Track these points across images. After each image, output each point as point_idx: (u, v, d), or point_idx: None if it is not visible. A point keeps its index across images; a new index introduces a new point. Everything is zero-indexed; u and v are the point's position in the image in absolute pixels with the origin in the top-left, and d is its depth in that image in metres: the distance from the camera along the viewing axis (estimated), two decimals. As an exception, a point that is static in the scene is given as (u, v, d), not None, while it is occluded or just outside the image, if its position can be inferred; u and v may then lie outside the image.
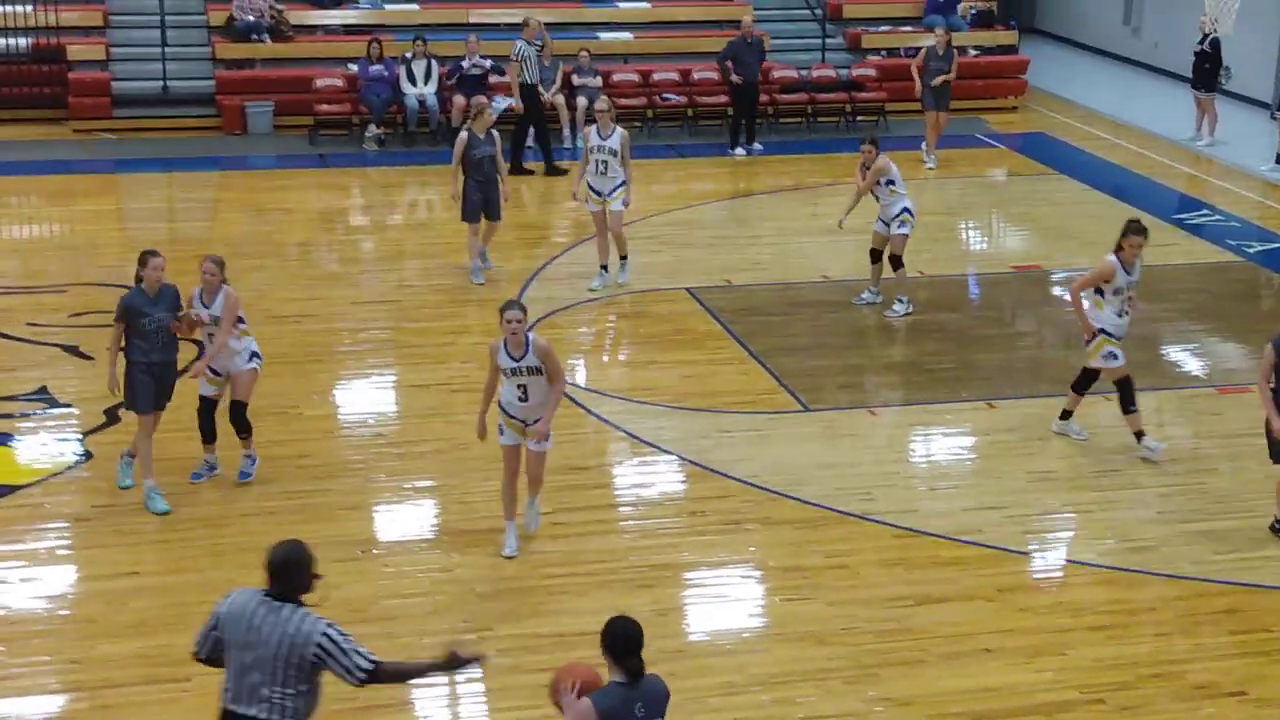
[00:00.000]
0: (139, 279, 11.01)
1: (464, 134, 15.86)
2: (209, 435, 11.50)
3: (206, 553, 10.37)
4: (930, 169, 20.86)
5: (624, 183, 15.49)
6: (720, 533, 11.02)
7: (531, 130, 20.87)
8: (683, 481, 11.92)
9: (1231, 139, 22.33)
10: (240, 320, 11.31)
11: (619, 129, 15.46)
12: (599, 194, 15.56)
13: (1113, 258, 11.94)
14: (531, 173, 20.36)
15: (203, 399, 11.42)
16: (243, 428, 11.44)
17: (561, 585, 10.25)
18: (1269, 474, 11.67)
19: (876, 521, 11.17)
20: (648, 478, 11.97)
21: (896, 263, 15.18)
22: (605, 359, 14.79)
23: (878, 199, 15.22)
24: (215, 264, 11.26)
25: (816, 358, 14.34)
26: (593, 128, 15.70)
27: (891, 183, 15.07)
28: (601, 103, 15.92)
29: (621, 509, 11.52)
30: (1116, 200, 19.72)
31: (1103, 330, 12.02)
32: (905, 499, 11.58)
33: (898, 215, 15.06)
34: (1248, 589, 10.33)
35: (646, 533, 11.06)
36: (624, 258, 15.90)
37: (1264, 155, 21.35)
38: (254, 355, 11.42)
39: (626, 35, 24.17)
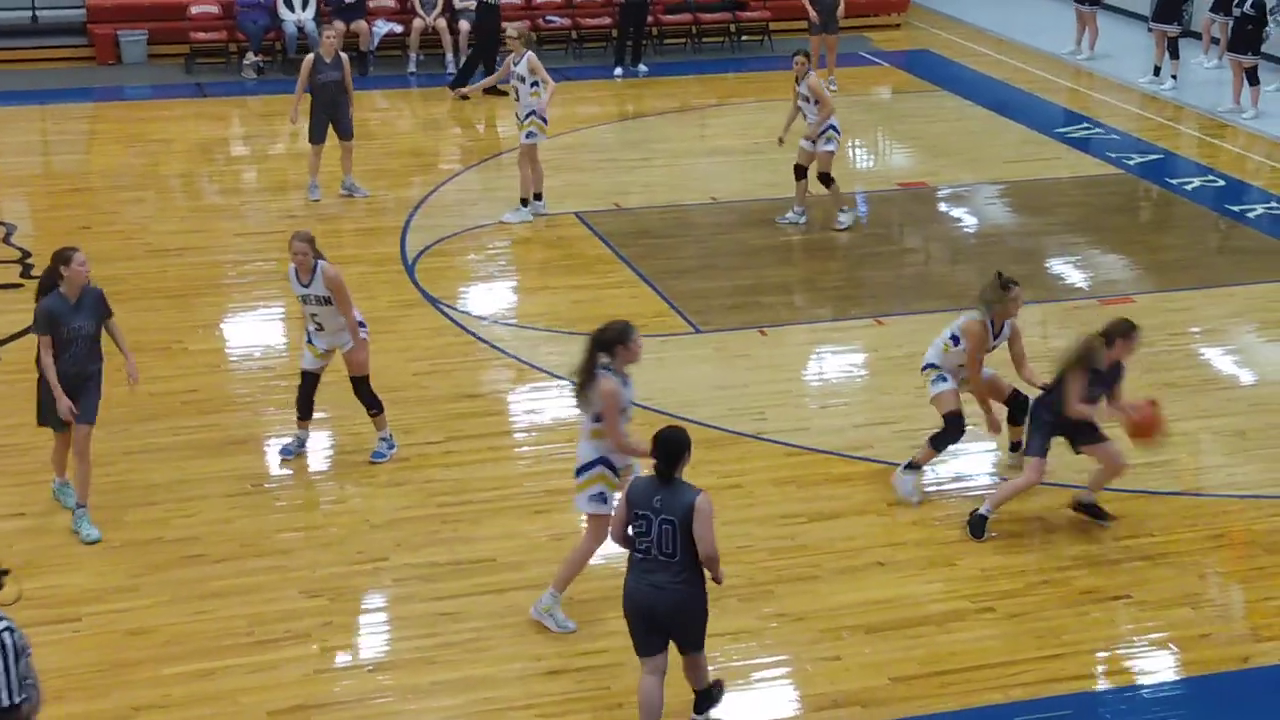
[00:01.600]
0: (55, 280, 9.71)
1: (309, 57, 15.76)
2: (304, 410, 10.89)
3: (94, 490, 10.19)
4: (832, 89, 20.90)
5: (532, 113, 15.33)
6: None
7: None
8: (576, 407, 11.88)
9: (1111, 52, 22.59)
10: None
11: (527, 54, 15.30)
12: (519, 120, 15.52)
13: (980, 316, 10.46)
14: (467, 98, 20.01)
15: (304, 373, 10.85)
16: (371, 404, 10.83)
17: (456, 514, 10.23)
18: (1148, 382, 11.94)
19: (769, 440, 11.26)
20: (540, 404, 11.95)
21: (827, 180, 15.23)
22: (495, 286, 14.69)
23: (805, 116, 15.22)
24: (305, 242, 10.40)
25: (706, 279, 14.36)
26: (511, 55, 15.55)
27: (817, 101, 15.05)
28: (511, 28, 15.76)
29: (515, 435, 11.52)
30: (1000, 115, 19.91)
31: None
32: (797, 417, 11.68)
33: (824, 133, 15.08)
34: (1132, 494, 10.54)
35: (540, 458, 11.07)
36: (524, 201, 15.73)
37: (1142, 68, 21.62)
38: (359, 325, 10.66)
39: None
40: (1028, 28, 24.41)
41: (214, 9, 21.78)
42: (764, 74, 21.77)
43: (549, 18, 22.87)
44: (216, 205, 16.47)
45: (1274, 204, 16.60)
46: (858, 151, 19.21)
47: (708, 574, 7.68)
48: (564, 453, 11.05)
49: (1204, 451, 11.26)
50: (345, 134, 15.97)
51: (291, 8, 21.34)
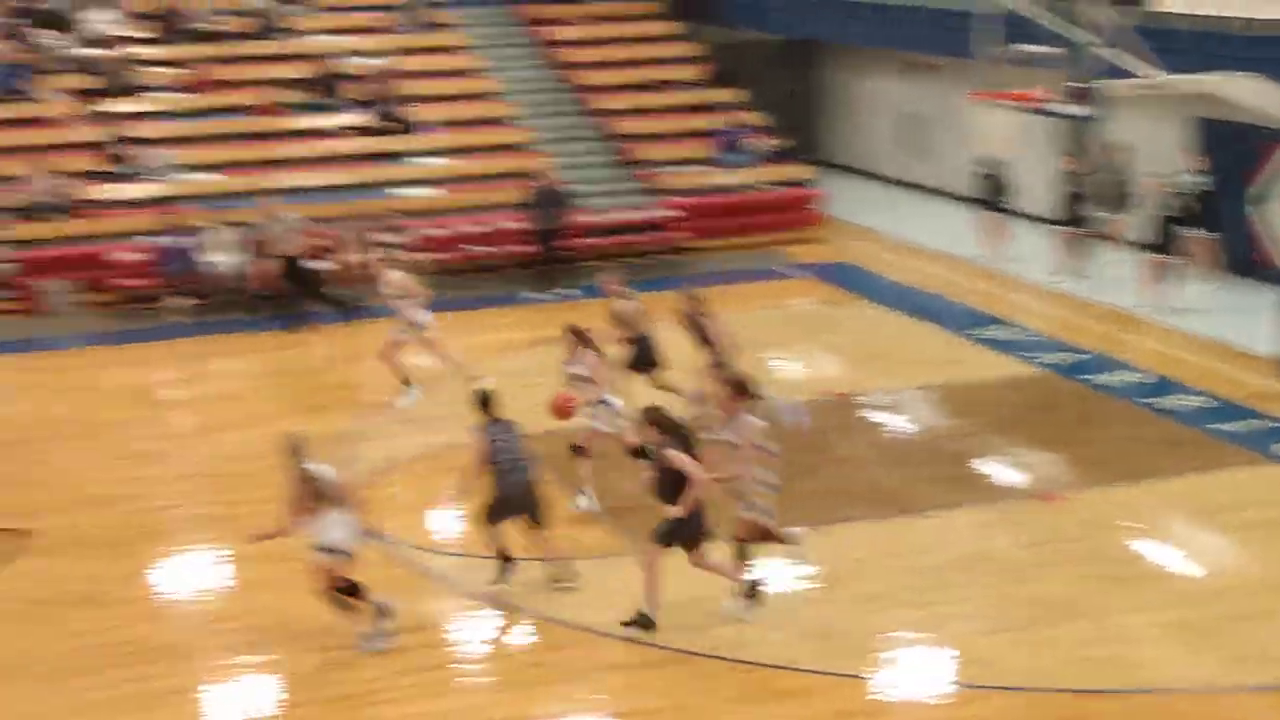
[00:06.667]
0: None
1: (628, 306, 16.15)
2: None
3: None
4: None
5: None
6: (558, 681, 10.93)
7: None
8: (524, 634, 11.79)
9: (1022, 254, 23.22)
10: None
11: None
12: None
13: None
14: None
15: None
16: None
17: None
18: (1083, 574, 12.08)
19: (713, 656, 11.15)
20: (480, 633, 11.83)
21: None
22: (440, 514, 14.53)
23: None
24: None
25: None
26: None
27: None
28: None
29: (461, 666, 11.35)
30: (920, 321, 20.33)
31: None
32: (741, 632, 11.58)
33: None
34: (1087, 694, 10.53)
35: (492, 688, 10.93)
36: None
37: (1052, 268, 22.23)
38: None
39: (433, 191, 24.36)
40: (938, 233, 25.08)
41: (139, 256, 21.99)
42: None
43: (472, 247, 23.29)
44: (147, 451, 16.38)
45: (1190, 396, 16.96)
46: (783, 363, 19.49)
47: None
48: (516, 681, 10.94)
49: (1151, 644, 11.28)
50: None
51: (215, 251, 21.59)
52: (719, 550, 11.66)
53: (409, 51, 27.03)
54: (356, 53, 26.55)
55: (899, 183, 29.62)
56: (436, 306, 20.64)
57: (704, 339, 15.53)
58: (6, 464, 15.85)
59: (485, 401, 12.21)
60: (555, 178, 23.06)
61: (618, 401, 14.20)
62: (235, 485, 14.96)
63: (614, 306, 16.10)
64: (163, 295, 21.67)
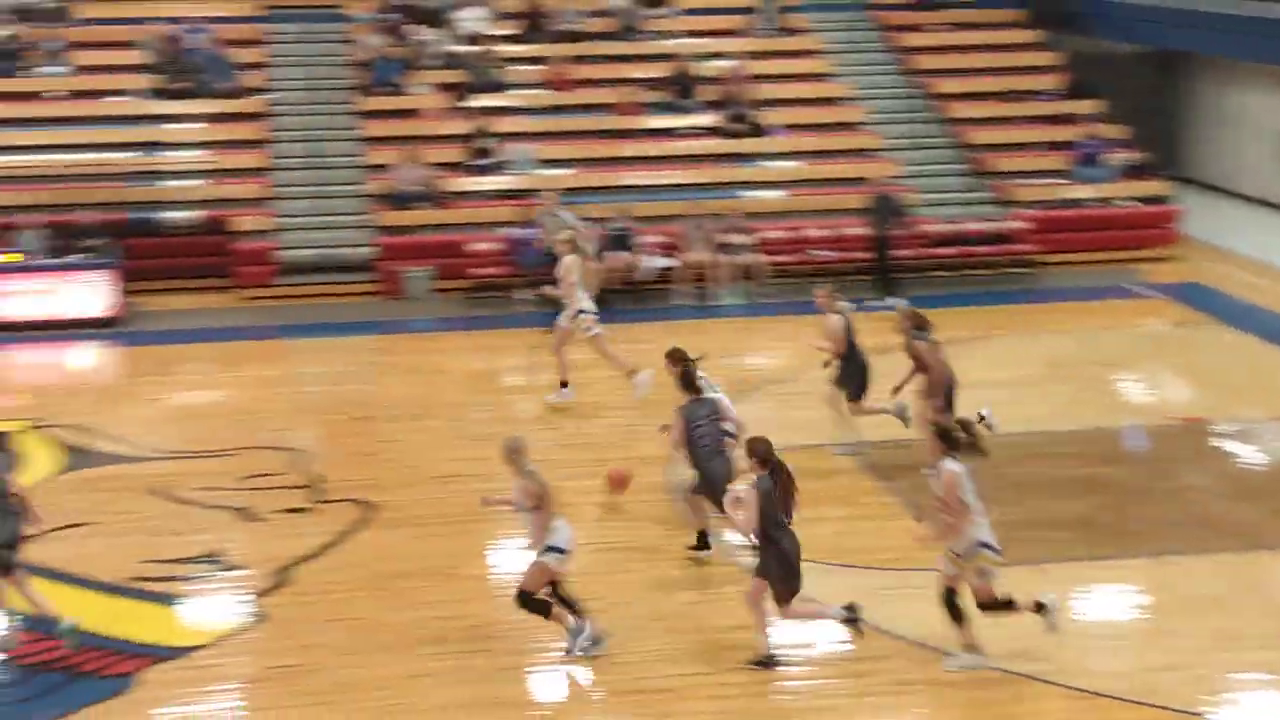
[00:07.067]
0: None
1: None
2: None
3: (377, 714, 10.41)
4: None
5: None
6: (888, 694, 10.81)
7: None
8: (847, 640, 11.69)
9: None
10: None
11: None
12: None
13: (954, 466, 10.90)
14: None
15: None
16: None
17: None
18: None
19: (1048, 682, 10.87)
20: (809, 636, 11.78)
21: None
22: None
23: None
24: None
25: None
26: None
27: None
28: None
29: (785, 669, 11.34)
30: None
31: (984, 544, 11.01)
32: (1078, 659, 11.25)
33: None
34: None
35: (815, 694, 10.90)
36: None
37: None
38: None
39: (780, 194, 24.45)
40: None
41: (494, 246, 22.76)
42: (1028, 307, 21.72)
43: (815, 250, 23.26)
44: (492, 433, 16.86)
45: None
46: (1130, 384, 18.83)
47: None
48: (836, 689, 10.87)
49: None
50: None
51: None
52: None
53: (763, 55, 27.18)
54: (712, 55, 26.84)
55: (1267, 204, 28.21)
56: (774, 309, 20.68)
57: (920, 365, 14.91)
58: (356, 440, 16.63)
59: (689, 382, 12.45)
60: (892, 184, 22.82)
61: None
62: (572, 472, 15.29)
63: (825, 322, 15.51)
64: (514, 285, 22.37)
